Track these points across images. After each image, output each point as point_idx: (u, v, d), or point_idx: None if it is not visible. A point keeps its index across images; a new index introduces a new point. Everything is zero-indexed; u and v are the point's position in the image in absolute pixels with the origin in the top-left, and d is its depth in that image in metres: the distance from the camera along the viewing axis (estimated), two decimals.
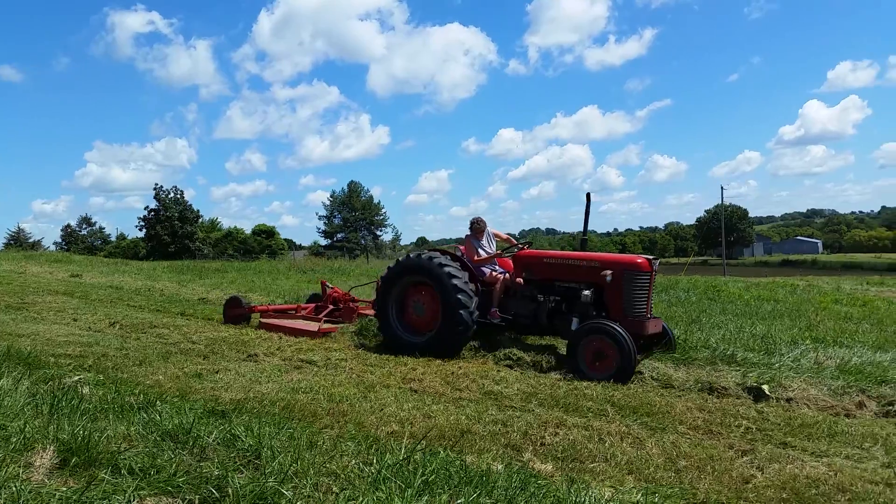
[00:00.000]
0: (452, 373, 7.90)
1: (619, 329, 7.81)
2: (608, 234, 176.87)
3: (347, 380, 7.38)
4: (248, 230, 74.03)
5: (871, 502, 4.26)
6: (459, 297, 8.83)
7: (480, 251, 9.91)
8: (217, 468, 3.54)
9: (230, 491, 3.21)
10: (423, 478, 3.69)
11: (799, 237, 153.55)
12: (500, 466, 4.23)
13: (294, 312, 12.25)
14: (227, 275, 27.44)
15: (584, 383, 7.72)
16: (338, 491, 3.45)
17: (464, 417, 5.80)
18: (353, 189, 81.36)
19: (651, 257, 8.93)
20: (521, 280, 9.52)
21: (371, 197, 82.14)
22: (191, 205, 66.53)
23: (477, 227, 10.06)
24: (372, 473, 3.74)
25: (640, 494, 3.92)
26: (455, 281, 8.91)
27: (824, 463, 5.05)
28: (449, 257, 9.40)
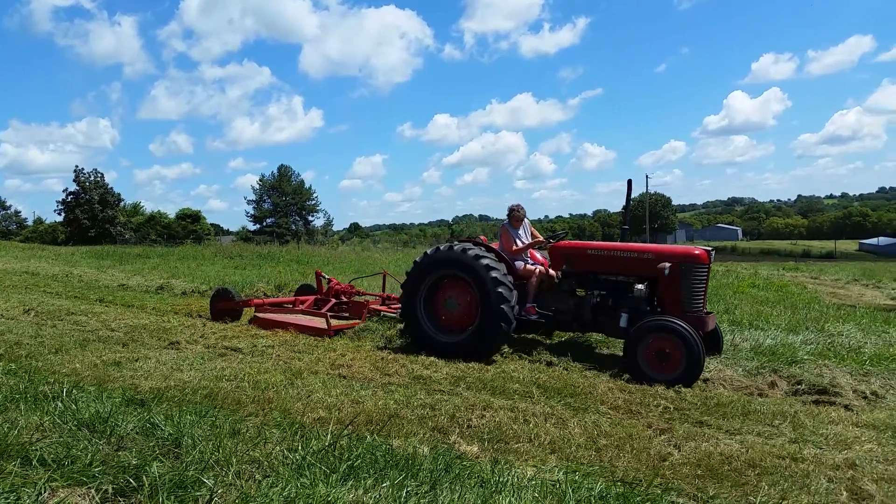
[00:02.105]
0: (382, 358, 7.90)
1: (686, 327, 7.25)
2: (539, 220, 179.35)
3: (274, 367, 7.28)
4: (172, 214, 71.81)
5: (779, 476, 4.48)
6: (500, 291, 8.07)
7: (518, 241, 9.14)
8: (135, 457, 3.47)
9: (147, 480, 3.15)
10: (349, 463, 3.70)
11: (720, 224, 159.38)
12: (426, 449, 4.26)
13: (292, 306, 11.26)
14: (149, 260, 26.64)
15: (512, 366, 7.85)
16: (261, 478, 3.43)
17: (392, 402, 5.81)
18: (284, 173, 79.85)
19: (709, 249, 8.28)
20: (555, 273, 8.97)
21: (302, 181, 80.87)
22: (112, 188, 64.14)
23: (516, 214, 9.26)
24: (297, 460, 3.72)
25: (561, 473, 4.02)
26: (494, 274, 8.14)
27: (737, 440, 5.29)
28: (483, 248, 8.62)
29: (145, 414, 4.44)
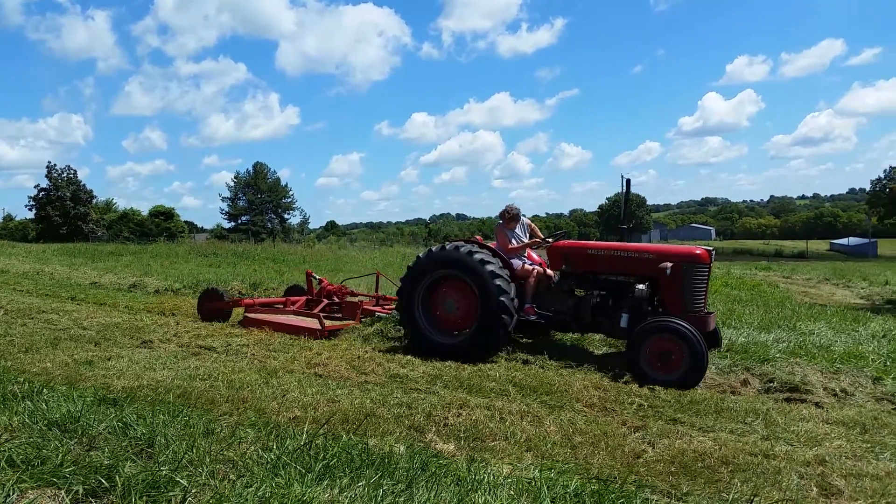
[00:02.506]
0: (359, 357, 7.87)
1: (688, 327, 7.19)
2: None
3: (249, 366, 7.23)
4: (145, 212, 70.91)
5: (751, 472, 4.54)
6: (500, 293, 7.97)
7: (514, 241, 9.03)
8: (107, 457, 3.42)
9: (120, 480, 3.11)
10: (325, 462, 3.69)
11: (693, 224, 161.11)
12: (402, 448, 4.26)
13: (283, 307, 11.04)
14: (121, 258, 26.30)
15: (489, 365, 7.87)
16: (235, 478, 3.40)
17: (368, 401, 5.80)
18: (259, 170, 79.16)
19: (710, 249, 8.25)
20: (553, 273, 8.90)
21: (278, 179, 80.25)
22: (84, 184, 63.24)
23: (510, 214, 9.15)
24: (271, 459, 3.70)
25: (536, 471, 4.04)
26: (494, 274, 8.04)
27: (710, 437, 5.34)
28: (479, 247, 8.48)
29: (118, 413, 4.39)
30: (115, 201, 75.33)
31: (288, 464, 3.61)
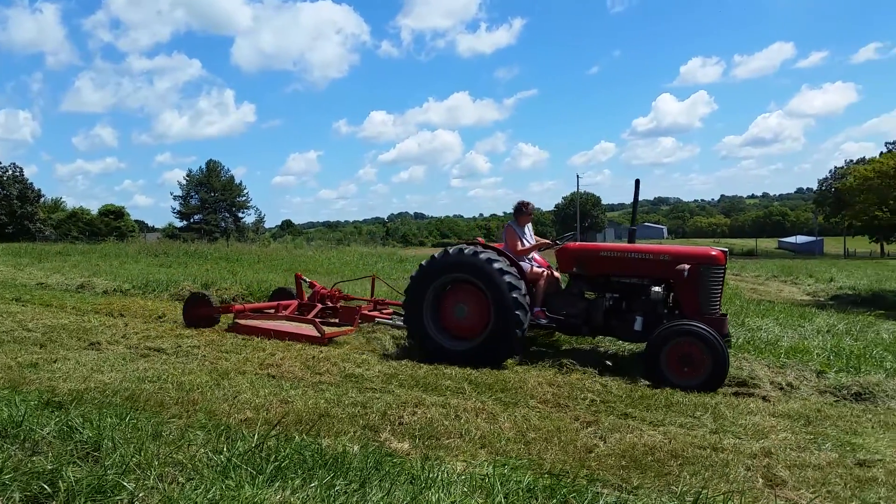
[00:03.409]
0: (313, 357, 7.78)
1: (709, 331, 7.08)
2: (474, 218, 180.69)
3: (199, 367, 7.09)
4: (94, 211, 69.23)
5: (700, 465, 4.64)
6: (514, 297, 7.75)
7: (524, 242, 8.80)
8: (50, 462, 3.33)
9: (63, 485, 3.03)
10: (276, 463, 3.65)
11: (647, 223, 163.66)
12: (356, 448, 4.23)
13: (274, 312, 10.41)
14: (69, 258, 25.57)
15: (445, 363, 7.89)
16: (184, 481, 3.35)
17: (322, 401, 5.74)
18: (212, 168, 77.85)
19: (725, 249, 8.12)
20: (558, 275, 8.78)
21: (232, 177, 79.05)
22: (31, 183, 61.59)
23: (525, 211, 8.92)
24: (222, 462, 3.65)
25: (490, 467, 4.06)
26: (508, 279, 7.80)
27: (660, 431, 5.45)
28: (494, 251, 8.19)
29: (63, 417, 4.27)
30: (63, 200, 73.48)
31: (239, 466, 3.56)
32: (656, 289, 7.87)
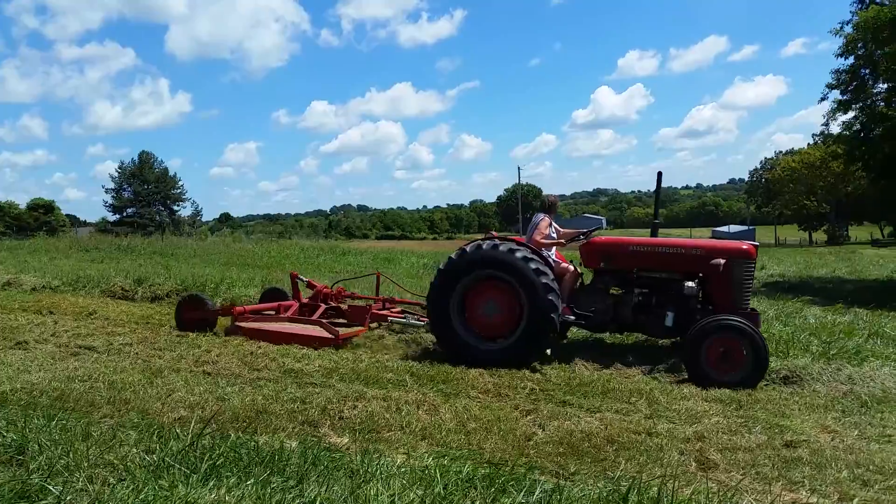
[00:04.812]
0: (251, 353, 7.63)
1: (750, 326, 6.99)
2: (418, 210, 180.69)
3: (132, 366, 6.89)
4: (23, 205, 66.56)
5: (635, 450, 4.76)
6: (548, 293, 7.44)
7: (552, 233, 8.57)
8: None
9: None
10: (211, 462, 3.59)
11: (586, 214, 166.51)
12: (294, 444, 4.19)
13: (275, 314, 9.70)
14: None
15: (387, 356, 7.88)
16: (114, 482, 3.26)
17: (260, 398, 5.64)
18: (145, 160, 75.58)
19: (756, 244, 8.05)
20: (580, 271, 8.53)
21: (166, 169, 76.95)
22: None
23: (555, 204, 8.82)
24: (154, 461, 3.58)
25: (430, 458, 4.07)
26: (543, 278, 7.49)
27: (597, 418, 5.56)
28: (527, 248, 7.86)
29: None
30: None
31: (172, 465, 3.50)
32: (690, 284, 7.70)
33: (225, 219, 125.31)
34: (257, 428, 4.79)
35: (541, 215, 8.72)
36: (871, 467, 4.59)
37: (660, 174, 8.83)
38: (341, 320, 9.72)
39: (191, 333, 8.76)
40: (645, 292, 8.14)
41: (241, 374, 6.75)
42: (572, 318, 8.05)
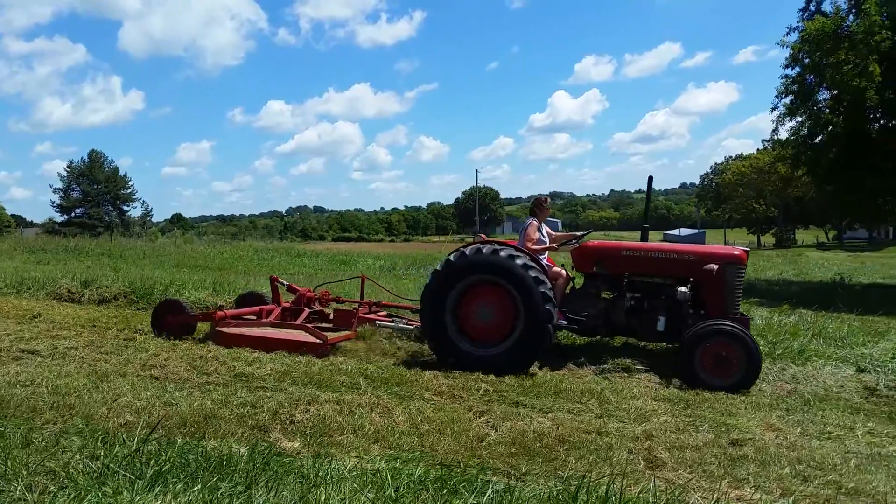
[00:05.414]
0: (201, 357, 7.47)
1: (743, 331, 7.04)
2: (375, 212, 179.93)
3: (77, 370, 6.70)
4: None
5: (585, 450, 4.82)
6: (546, 300, 7.35)
7: (543, 238, 8.55)
8: None
9: None
10: (157, 468, 3.52)
11: None
12: (243, 449, 4.13)
13: (256, 318, 9.30)
14: None
15: (340, 359, 7.80)
16: (56, 490, 3.18)
17: (209, 402, 5.54)
18: (95, 159, 73.63)
19: (747, 249, 8.13)
20: (567, 274, 8.41)
21: (116, 168, 75.09)
22: None
23: (545, 206, 8.71)
24: (98, 468, 3.49)
25: (382, 461, 4.07)
26: (539, 282, 7.38)
27: (549, 418, 5.62)
28: (525, 253, 7.74)
29: None
30: None
31: (116, 471, 3.43)
32: (682, 289, 7.73)
33: (176, 220, 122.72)
34: (206, 433, 4.71)
35: (529, 219, 8.73)
36: (811, 463, 4.74)
37: (650, 179, 8.92)
38: (325, 324, 9.50)
39: (139, 337, 8.57)
40: (637, 297, 8.17)
41: (190, 378, 6.61)
42: (564, 322, 8.02)
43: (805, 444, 5.23)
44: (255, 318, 9.35)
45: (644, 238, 8.64)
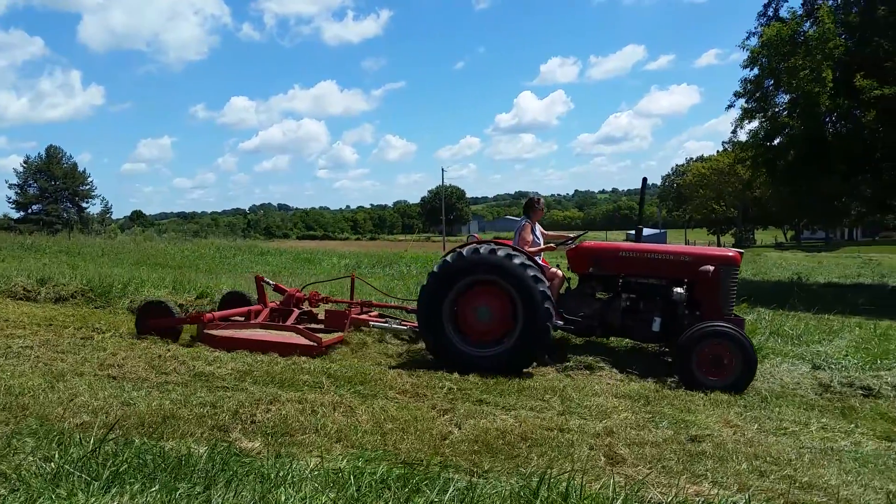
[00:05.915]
0: (159, 356, 7.34)
1: (739, 332, 7.11)
2: (341, 210, 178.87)
3: (32, 369, 6.53)
4: None
5: (547, 447, 4.87)
6: (545, 300, 7.34)
7: (537, 238, 8.60)
8: None
9: None
10: (114, 469, 3.45)
11: (508, 216, 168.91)
12: (202, 449, 4.07)
13: (245, 320, 9.05)
14: None
15: (303, 358, 7.73)
16: (6, 493, 3.09)
17: (168, 402, 5.45)
18: (52, 154, 72.09)
19: (741, 251, 8.21)
20: (562, 275, 8.41)
21: (75, 164, 73.59)
22: None
23: (537, 207, 8.73)
24: (52, 469, 3.41)
25: (344, 461, 4.04)
26: (541, 287, 7.36)
27: (512, 415, 5.65)
28: (522, 253, 7.70)
29: None
30: None
31: (71, 473, 3.35)
32: (678, 290, 7.76)
33: (136, 217, 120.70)
34: (164, 433, 4.63)
35: (522, 220, 8.75)
36: (767, 458, 4.85)
37: (644, 179, 8.95)
38: (315, 325, 9.29)
39: (96, 336, 8.39)
40: (632, 297, 8.21)
41: (149, 377, 6.49)
42: (560, 322, 8.00)
43: (762, 439, 5.35)
44: (243, 319, 9.14)
45: (638, 237, 8.75)
